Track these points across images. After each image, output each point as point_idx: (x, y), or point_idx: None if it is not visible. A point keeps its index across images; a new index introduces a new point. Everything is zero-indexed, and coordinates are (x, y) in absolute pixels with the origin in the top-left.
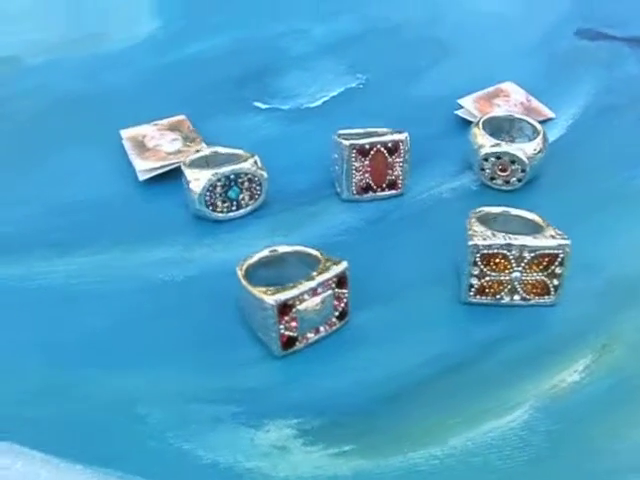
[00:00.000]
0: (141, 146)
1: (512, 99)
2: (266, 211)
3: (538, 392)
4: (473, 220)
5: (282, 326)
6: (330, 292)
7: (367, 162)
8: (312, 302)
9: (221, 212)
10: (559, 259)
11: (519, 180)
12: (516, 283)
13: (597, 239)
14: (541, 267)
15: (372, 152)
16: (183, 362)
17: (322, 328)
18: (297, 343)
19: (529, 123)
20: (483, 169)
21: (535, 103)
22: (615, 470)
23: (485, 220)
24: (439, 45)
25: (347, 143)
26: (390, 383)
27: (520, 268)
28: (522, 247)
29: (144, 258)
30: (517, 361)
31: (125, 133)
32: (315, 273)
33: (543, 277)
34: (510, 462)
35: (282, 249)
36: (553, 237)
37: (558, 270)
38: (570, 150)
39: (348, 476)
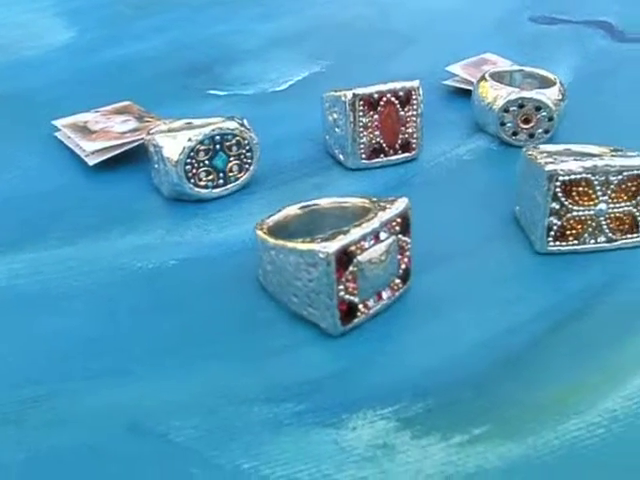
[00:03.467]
0: (84, 130)
1: (500, 67)
2: (259, 186)
3: None
4: (532, 153)
5: (341, 287)
6: (394, 239)
7: (376, 116)
8: (375, 251)
9: (205, 187)
10: None
11: (546, 132)
12: (601, 219)
13: None
14: (629, 194)
15: (381, 103)
16: (206, 358)
17: (385, 293)
18: (358, 314)
19: (541, 75)
20: (503, 123)
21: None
22: None
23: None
24: (397, 35)
25: (350, 94)
26: (492, 349)
27: (606, 197)
28: (607, 168)
29: (118, 246)
30: (630, 309)
31: (60, 122)
32: (372, 214)
33: (631, 208)
34: None
35: (318, 203)
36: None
37: None
38: (577, 107)
39: (499, 467)
